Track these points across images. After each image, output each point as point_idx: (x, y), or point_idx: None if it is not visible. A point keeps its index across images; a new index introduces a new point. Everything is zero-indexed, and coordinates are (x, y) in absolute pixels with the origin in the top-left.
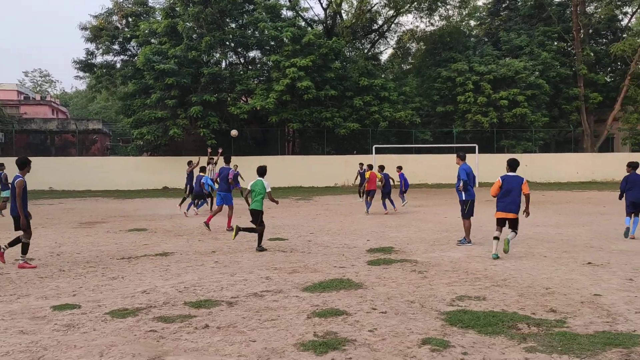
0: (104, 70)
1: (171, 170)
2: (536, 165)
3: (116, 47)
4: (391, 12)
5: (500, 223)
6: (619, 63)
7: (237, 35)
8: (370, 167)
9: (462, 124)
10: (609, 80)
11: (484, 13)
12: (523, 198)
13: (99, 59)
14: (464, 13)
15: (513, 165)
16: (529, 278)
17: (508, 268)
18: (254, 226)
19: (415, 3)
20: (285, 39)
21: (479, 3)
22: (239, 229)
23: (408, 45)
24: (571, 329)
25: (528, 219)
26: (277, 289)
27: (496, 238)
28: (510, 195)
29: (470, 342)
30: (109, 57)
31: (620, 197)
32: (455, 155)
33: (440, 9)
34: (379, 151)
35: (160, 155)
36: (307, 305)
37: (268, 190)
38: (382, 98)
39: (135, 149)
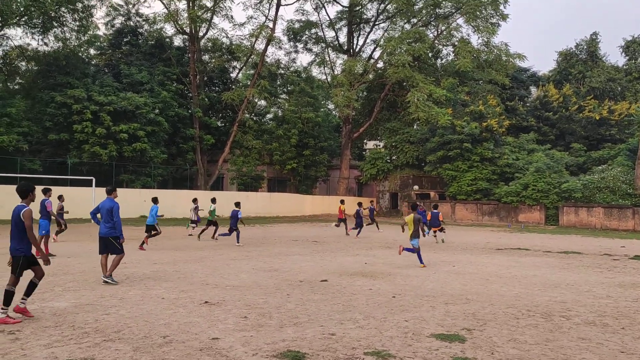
0: None
1: None
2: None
3: None
4: None
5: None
6: (229, 110)
7: None
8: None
9: (78, 154)
10: (220, 124)
11: (105, 43)
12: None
13: None
14: (83, 39)
15: None
16: (146, 326)
17: (123, 316)
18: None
19: (27, 17)
20: None
21: (100, 32)
22: None
23: (16, 62)
24: None
25: (146, 256)
26: None
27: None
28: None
29: None
30: None
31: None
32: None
33: (56, 29)
34: None
35: None
36: None
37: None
38: None
39: None
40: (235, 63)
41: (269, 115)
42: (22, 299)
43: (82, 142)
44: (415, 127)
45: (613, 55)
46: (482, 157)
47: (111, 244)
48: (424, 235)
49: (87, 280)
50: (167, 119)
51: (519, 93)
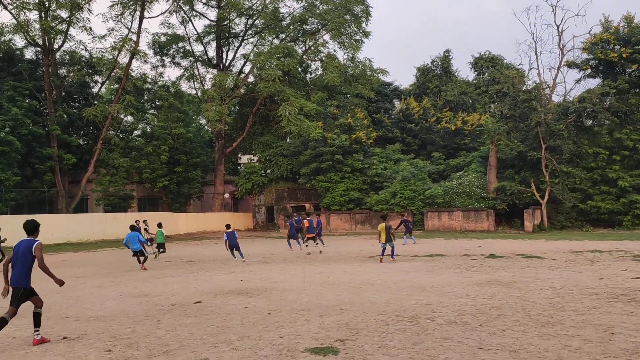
0: None
1: None
2: (8, 228)
3: None
4: None
5: None
6: (91, 127)
7: None
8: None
9: None
10: (82, 142)
11: None
12: None
13: None
14: None
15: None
16: None
17: None
18: None
19: None
20: None
21: None
22: None
23: None
24: None
25: None
26: None
27: None
28: None
29: None
30: None
31: None
32: None
33: None
34: None
35: None
36: None
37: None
38: None
39: None
40: (96, 77)
41: (137, 132)
42: (36, 331)
43: None
44: (288, 140)
45: (464, 70)
46: (353, 168)
47: None
48: (393, 239)
49: None
50: (20, 137)
51: (384, 106)
